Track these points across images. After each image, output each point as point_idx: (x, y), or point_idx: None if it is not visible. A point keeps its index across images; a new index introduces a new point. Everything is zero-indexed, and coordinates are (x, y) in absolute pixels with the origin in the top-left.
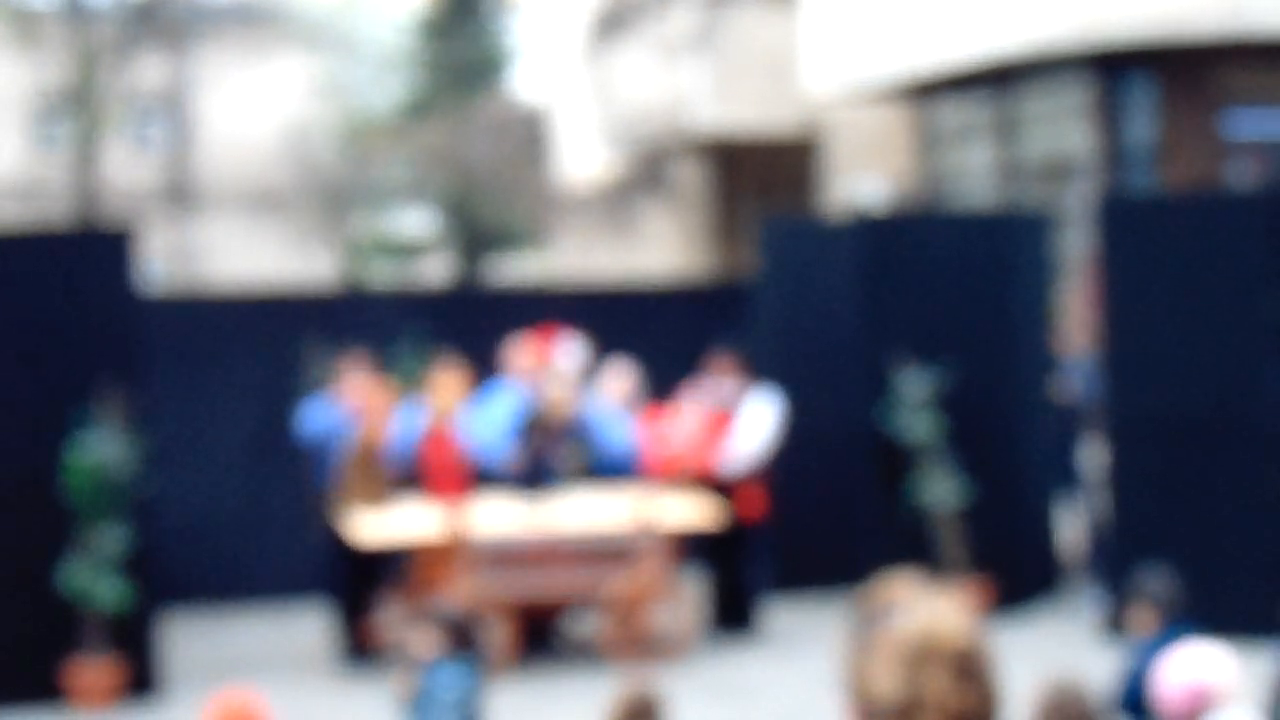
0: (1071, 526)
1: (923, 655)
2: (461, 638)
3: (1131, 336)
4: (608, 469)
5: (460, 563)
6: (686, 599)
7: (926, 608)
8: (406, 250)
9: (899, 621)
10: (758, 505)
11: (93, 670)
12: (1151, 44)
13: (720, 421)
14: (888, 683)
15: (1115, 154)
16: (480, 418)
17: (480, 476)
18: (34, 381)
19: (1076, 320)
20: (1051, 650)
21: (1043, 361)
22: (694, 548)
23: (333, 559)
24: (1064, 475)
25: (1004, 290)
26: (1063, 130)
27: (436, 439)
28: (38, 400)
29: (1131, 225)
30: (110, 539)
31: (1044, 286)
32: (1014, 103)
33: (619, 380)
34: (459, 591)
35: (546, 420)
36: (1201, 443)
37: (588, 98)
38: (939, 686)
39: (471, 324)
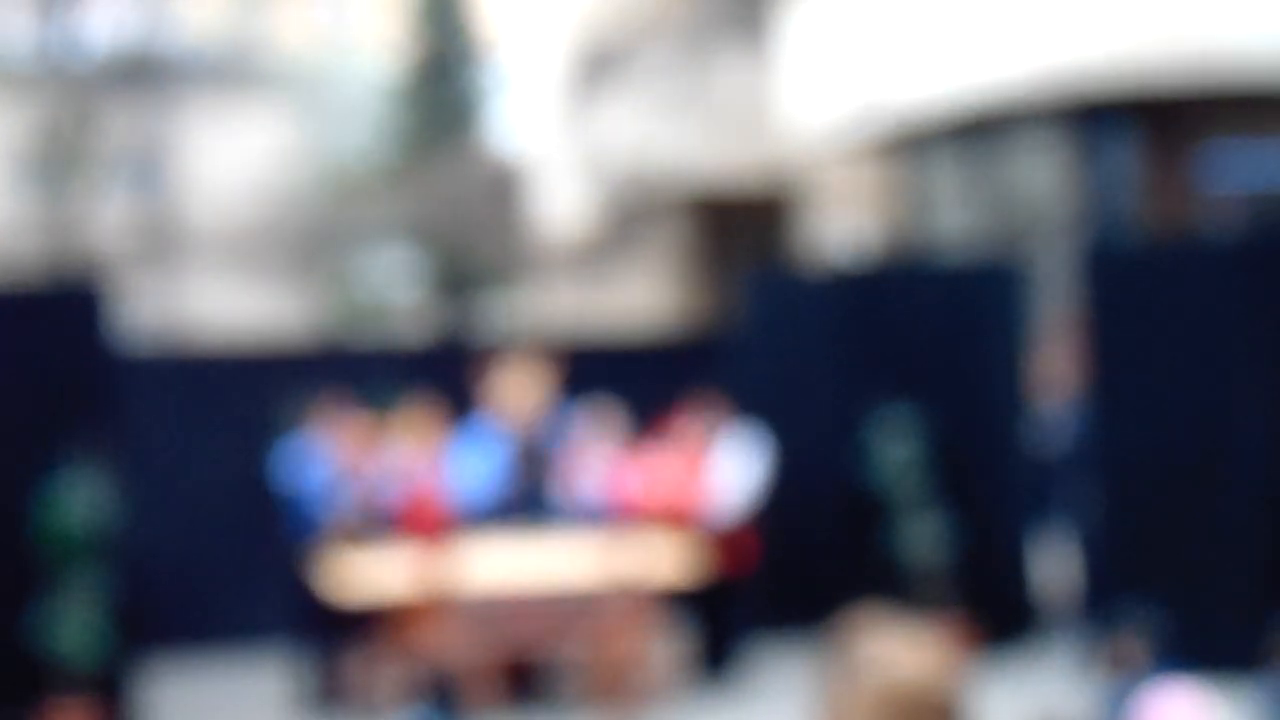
0: (1049, 569)
1: (898, 706)
2: (431, 687)
3: (1116, 385)
4: (586, 514)
5: (437, 611)
6: (666, 648)
7: (902, 655)
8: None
9: (873, 669)
10: (744, 555)
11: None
12: (1128, 94)
13: (701, 465)
14: None
15: (1093, 205)
16: (462, 459)
17: (463, 518)
18: (6, 435)
19: (1053, 370)
20: (1033, 690)
21: (1018, 410)
22: (675, 595)
23: (307, 605)
24: (1039, 520)
25: (980, 342)
26: (1040, 182)
27: (414, 481)
28: (10, 452)
29: (1114, 276)
30: (86, 588)
31: (1019, 338)
32: (991, 155)
33: (600, 428)
34: (435, 639)
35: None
36: (1184, 487)
37: (566, 149)
38: None
39: (451, 381)
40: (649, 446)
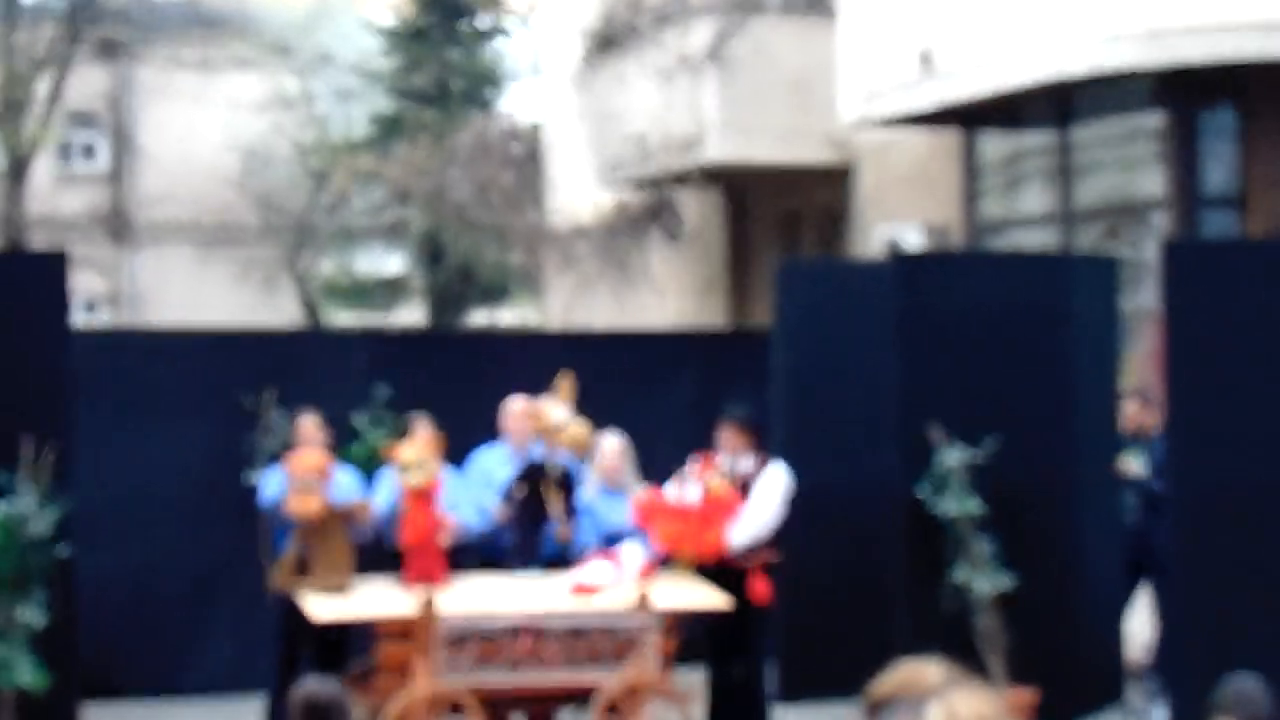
0: (1143, 625)
1: None
2: None
3: (1196, 400)
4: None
5: (427, 649)
6: (687, 694)
7: (953, 701)
8: (375, 291)
9: (918, 717)
10: (764, 589)
11: None
12: (1232, 63)
13: (726, 500)
14: None
15: (1190, 195)
16: (465, 484)
17: (465, 551)
18: None
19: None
20: None
21: (1108, 430)
22: (693, 639)
23: (283, 639)
24: (1138, 566)
25: (1062, 345)
26: (1130, 166)
27: (411, 509)
28: None
29: (1197, 274)
30: (23, 613)
31: (1112, 343)
32: (1073, 132)
33: (611, 454)
34: (424, 681)
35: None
36: (1276, 522)
37: (582, 124)
38: None
39: (449, 373)
40: (674, 478)
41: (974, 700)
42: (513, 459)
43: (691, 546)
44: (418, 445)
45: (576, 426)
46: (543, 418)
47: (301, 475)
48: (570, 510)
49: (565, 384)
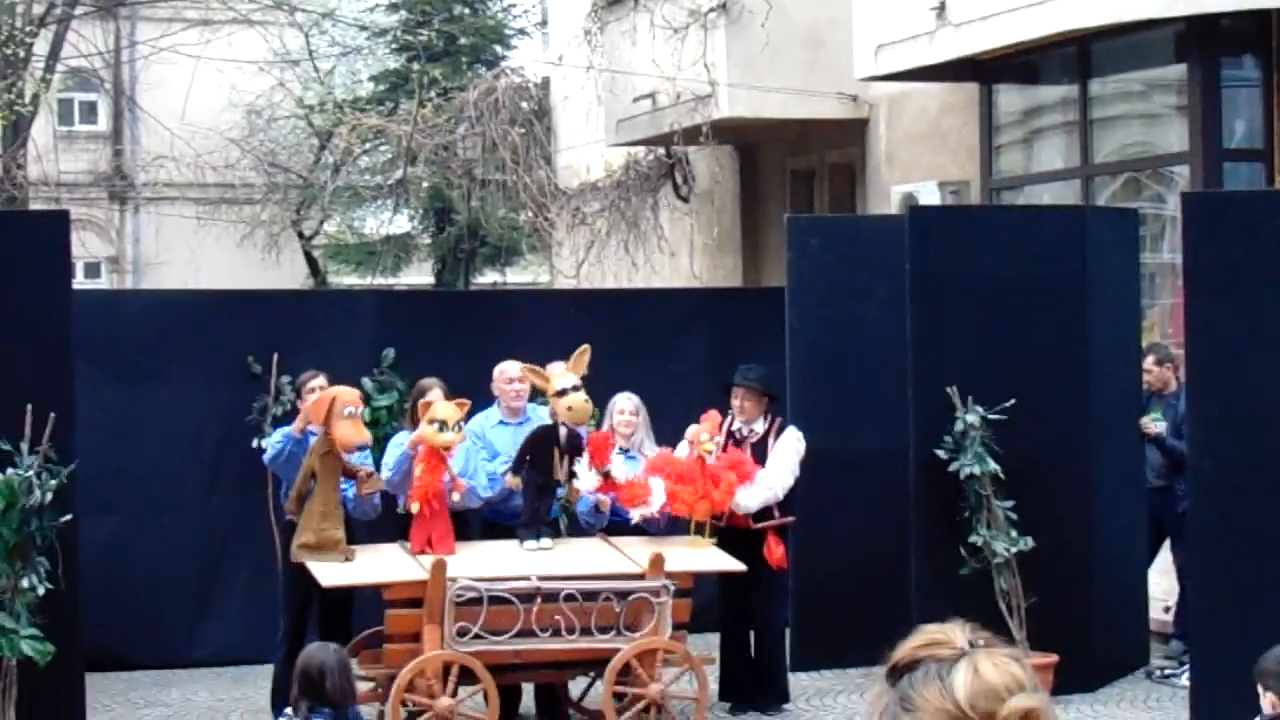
0: (1166, 587)
1: None
2: (311, 690)
3: (1216, 356)
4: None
5: (436, 616)
6: (701, 660)
7: (980, 664)
8: (381, 251)
9: (944, 681)
10: (778, 553)
11: None
12: (1256, 10)
13: (740, 463)
14: None
15: (1213, 148)
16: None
17: (473, 517)
18: None
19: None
20: None
21: (1129, 389)
22: (708, 604)
23: (291, 606)
24: (1160, 526)
25: (1081, 302)
26: (1151, 119)
27: (424, 469)
28: None
29: (1217, 225)
30: (25, 582)
31: (1132, 299)
32: (1093, 85)
33: (624, 416)
34: (434, 649)
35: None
36: None
37: (591, 81)
38: None
39: (458, 333)
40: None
41: (1004, 662)
42: (504, 423)
43: (706, 504)
44: (449, 405)
45: (578, 397)
46: (544, 378)
47: (351, 404)
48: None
49: (583, 356)
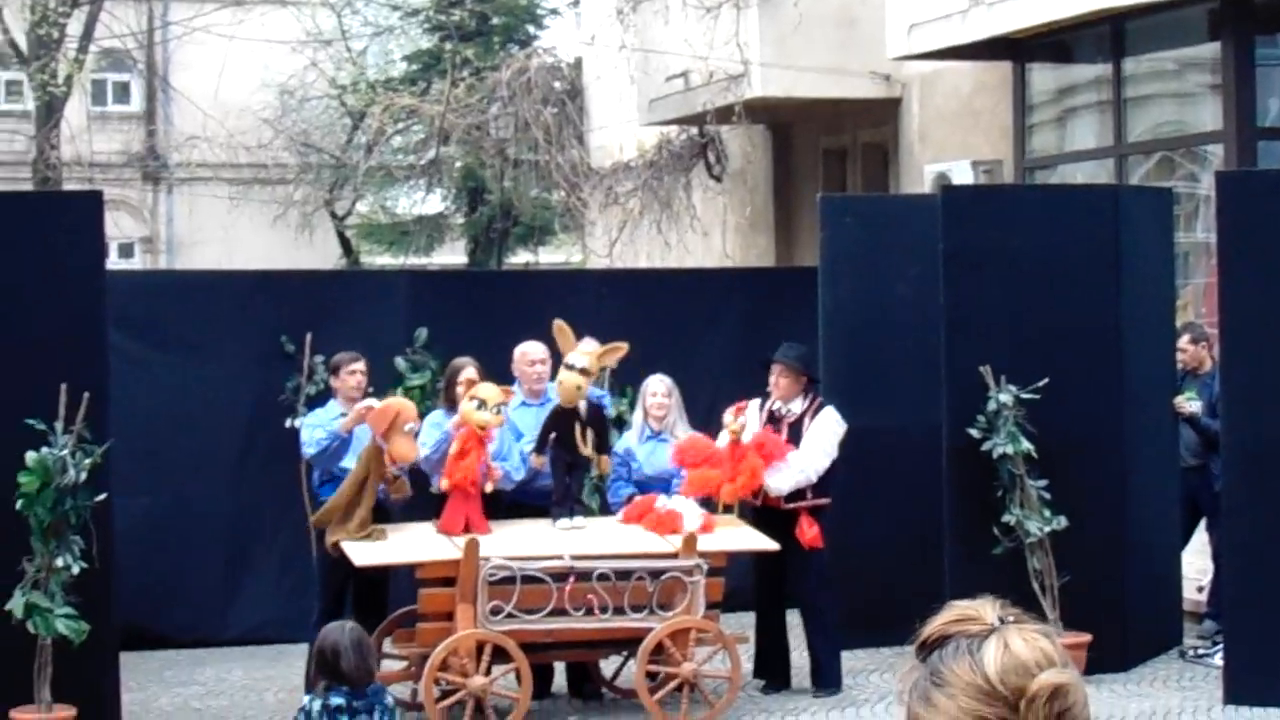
0: (1200, 566)
1: (1008, 698)
2: (328, 669)
3: (1251, 335)
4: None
5: (470, 595)
6: (734, 639)
7: (1010, 639)
8: (414, 231)
9: (974, 656)
10: (812, 533)
11: (44, 717)
12: None
13: (767, 443)
14: None
15: (1247, 127)
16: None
17: (498, 498)
18: None
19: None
20: (1168, 717)
21: (1163, 368)
22: (743, 583)
23: (327, 586)
24: (1195, 505)
25: (1115, 281)
26: (1185, 98)
27: (462, 450)
28: None
29: (1252, 204)
30: (60, 560)
31: (1166, 278)
32: (1126, 64)
33: (656, 398)
34: (467, 628)
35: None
36: None
37: (624, 60)
38: None
39: (491, 313)
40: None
41: (1034, 638)
42: (526, 404)
43: (730, 487)
44: (493, 387)
45: (569, 378)
46: (570, 343)
47: (411, 420)
48: (604, 445)
49: (616, 351)
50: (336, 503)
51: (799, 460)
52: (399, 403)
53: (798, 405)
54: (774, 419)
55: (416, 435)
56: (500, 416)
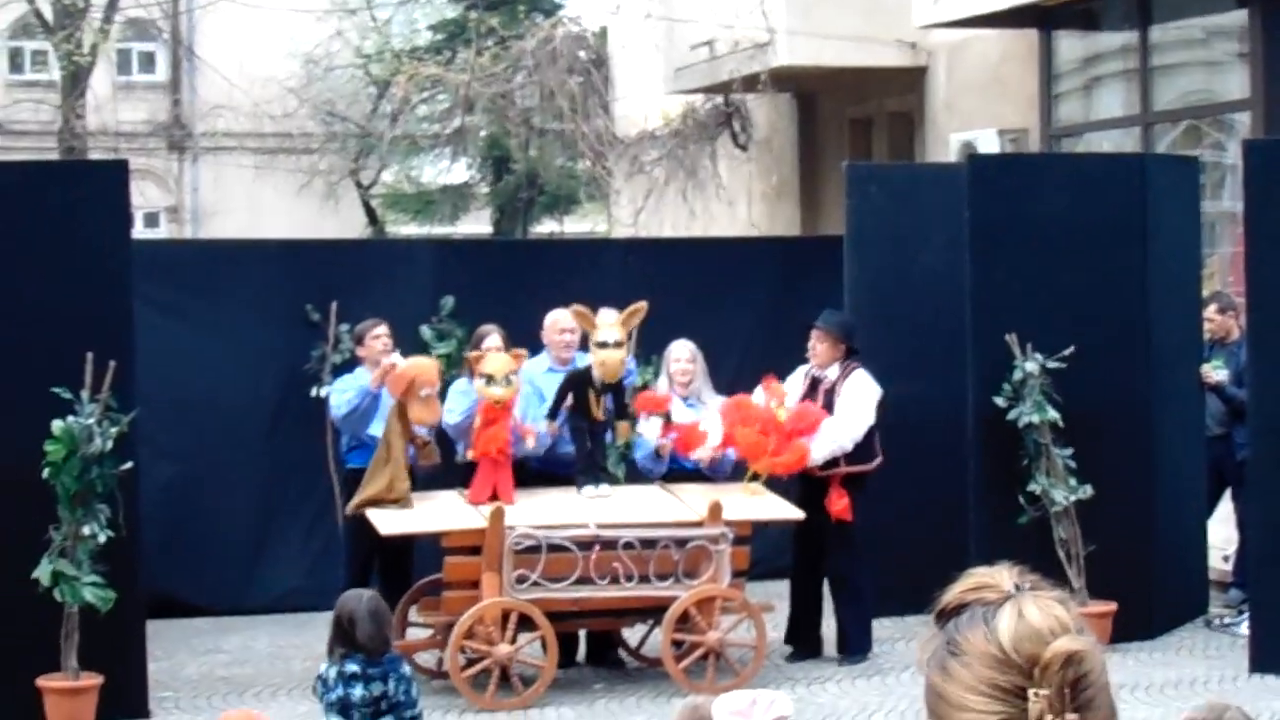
0: (1226, 535)
1: (1022, 666)
2: (344, 638)
3: (1277, 308)
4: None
5: (495, 563)
6: (760, 607)
7: (1025, 606)
8: (439, 200)
9: (989, 624)
10: (842, 502)
11: (71, 686)
12: None
13: (807, 414)
14: (978, 701)
15: (1274, 95)
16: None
17: (524, 466)
18: (8, 344)
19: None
20: (1194, 686)
21: (1189, 337)
22: (770, 552)
23: (353, 555)
24: (1220, 475)
25: (1141, 249)
26: (1212, 66)
27: (488, 422)
28: (12, 365)
29: (1279, 174)
30: (87, 529)
31: (1193, 247)
32: (1153, 32)
33: (681, 363)
34: (493, 596)
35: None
36: None
37: (649, 29)
38: (1044, 705)
39: (517, 282)
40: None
41: (1048, 605)
42: (553, 370)
43: (769, 459)
44: (501, 358)
45: (612, 355)
46: (592, 323)
47: (428, 385)
48: (622, 410)
49: (636, 314)
50: (373, 469)
51: (831, 429)
52: (416, 367)
53: (834, 372)
54: (814, 385)
55: (442, 399)
56: (513, 385)
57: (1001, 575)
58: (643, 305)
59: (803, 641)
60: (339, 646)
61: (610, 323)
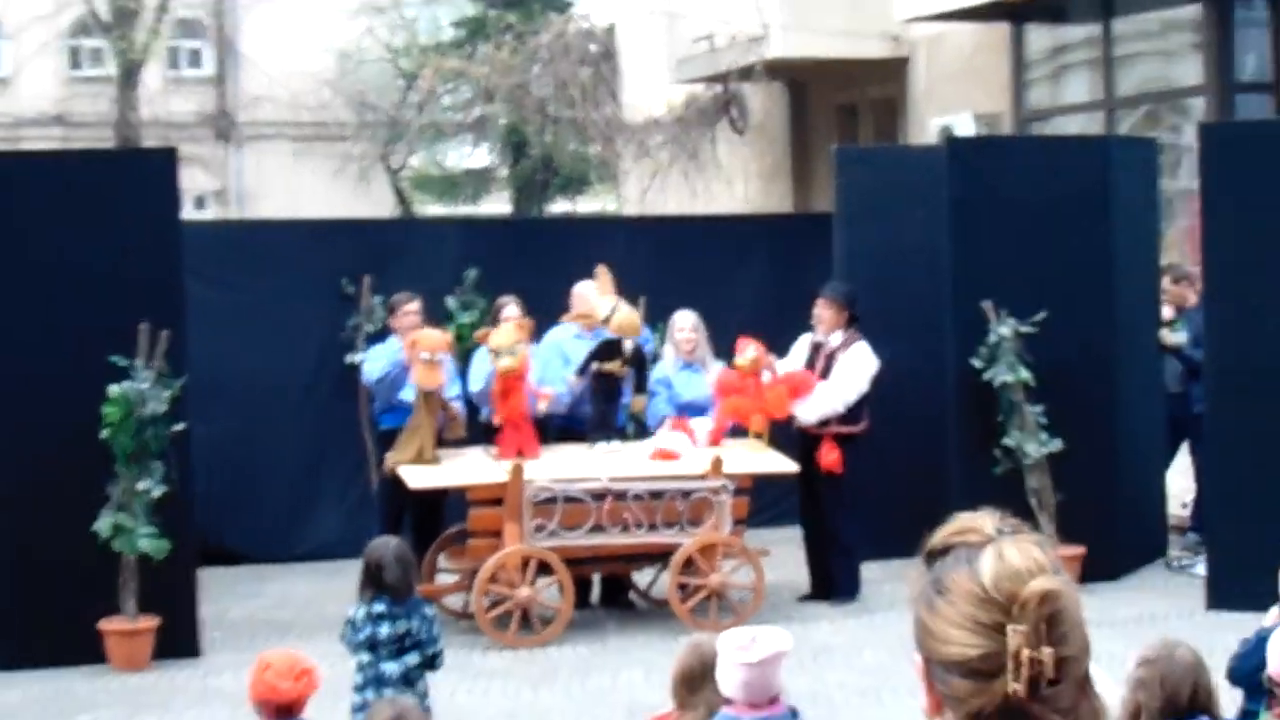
0: (1180, 488)
1: (1002, 603)
2: (372, 581)
3: (1231, 274)
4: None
5: (516, 514)
6: (759, 554)
7: (1005, 548)
8: (463, 183)
9: (972, 565)
10: (833, 457)
11: (130, 628)
12: None
13: (793, 376)
14: (961, 635)
15: (1225, 81)
16: (547, 359)
17: (548, 423)
18: (70, 316)
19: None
20: (1154, 621)
21: (1149, 304)
22: (770, 501)
23: (386, 508)
24: (1178, 428)
25: (1106, 223)
26: (1169, 55)
27: (505, 390)
28: (73, 335)
29: (1232, 154)
30: (143, 485)
31: (1152, 222)
32: (1116, 24)
33: (684, 330)
34: (514, 543)
35: (612, 353)
36: None
37: (653, 24)
38: (1021, 639)
39: (534, 257)
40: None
41: (1027, 547)
42: (581, 335)
43: (760, 416)
44: (506, 330)
45: (623, 312)
46: (592, 318)
47: (432, 350)
48: (643, 384)
49: (604, 276)
50: (405, 436)
51: (825, 391)
52: (421, 334)
53: (836, 339)
54: (816, 350)
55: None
56: (520, 355)
57: (985, 520)
58: (603, 267)
59: (814, 585)
60: (368, 589)
61: (599, 297)
